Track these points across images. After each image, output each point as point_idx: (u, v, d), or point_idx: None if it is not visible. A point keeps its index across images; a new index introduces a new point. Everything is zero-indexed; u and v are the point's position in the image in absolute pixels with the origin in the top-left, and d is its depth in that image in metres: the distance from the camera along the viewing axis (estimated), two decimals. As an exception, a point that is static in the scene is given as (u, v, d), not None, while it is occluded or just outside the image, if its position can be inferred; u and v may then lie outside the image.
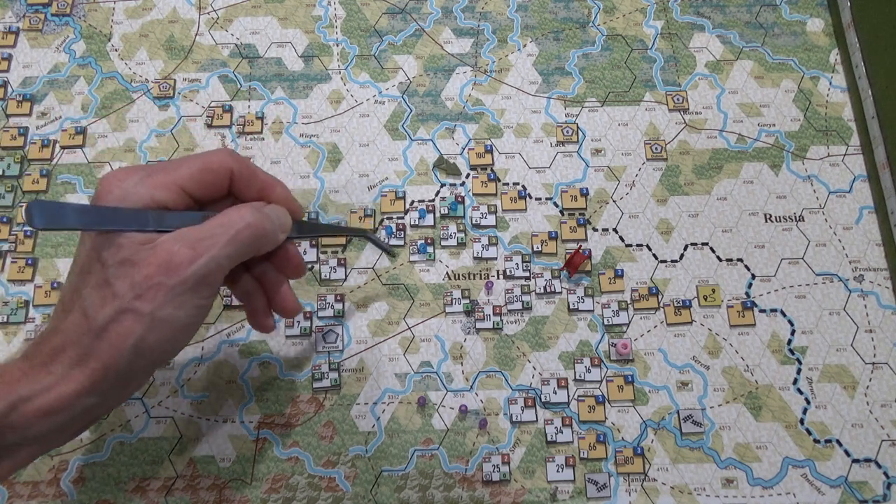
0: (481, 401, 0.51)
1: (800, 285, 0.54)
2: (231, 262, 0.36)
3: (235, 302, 0.53)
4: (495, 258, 0.55)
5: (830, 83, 0.60)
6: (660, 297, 0.54)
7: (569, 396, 0.51)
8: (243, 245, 0.37)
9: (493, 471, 0.49)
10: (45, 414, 0.34)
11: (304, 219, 0.43)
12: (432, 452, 0.50)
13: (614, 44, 0.62)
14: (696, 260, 0.55)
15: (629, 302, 0.54)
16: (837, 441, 0.50)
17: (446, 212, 0.56)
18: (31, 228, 0.44)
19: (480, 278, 0.54)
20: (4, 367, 0.35)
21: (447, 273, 0.54)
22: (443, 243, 0.55)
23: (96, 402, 0.35)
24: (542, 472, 0.49)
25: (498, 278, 0.54)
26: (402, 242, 0.55)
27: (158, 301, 0.34)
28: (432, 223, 0.56)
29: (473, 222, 0.56)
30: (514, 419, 0.51)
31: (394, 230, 0.55)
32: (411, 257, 0.55)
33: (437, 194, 0.57)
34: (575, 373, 0.52)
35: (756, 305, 0.54)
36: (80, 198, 0.56)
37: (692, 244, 0.55)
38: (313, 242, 0.55)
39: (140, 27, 0.62)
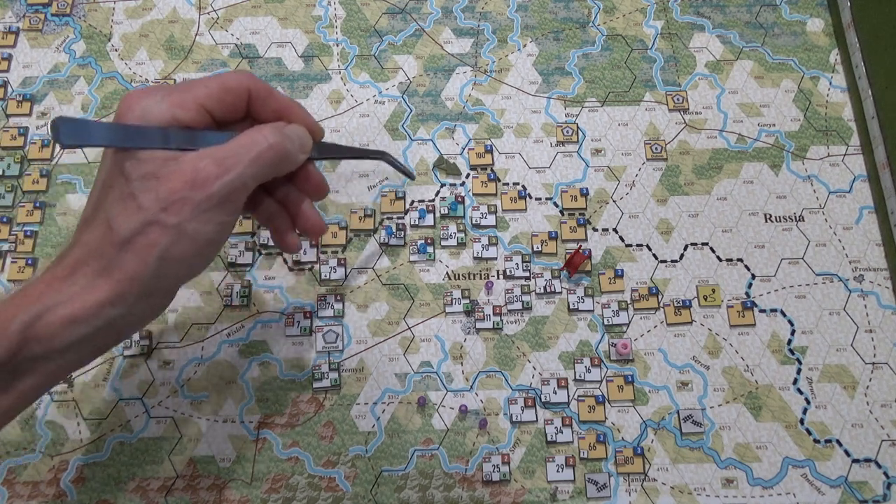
0: (481, 401, 0.51)
1: (800, 285, 0.54)
2: (254, 182, 0.37)
3: (235, 302, 0.53)
4: (495, 258, 0.55)
5: (830, 83, 0.60)
6: (660, 297, 0.54)
7: (569, 396, 0.51)
8: (266, 165, 0.37)
9: (493, 471, 0.49)
10: (69, 322, 0.34)
11: (323, 140, 0.43)
12: (432, 452, 0.50)
13: (614, 44, 0.62)
14: (696, 260, 0.55)
15: (629, 302, 0.54)
16: (837, 441, 0.50)
17: (446, 212, 0.56)
18: (58, 144, 0.45)
19: (480, 278, 0.54)
20: (28, 283, 0.35)
21: (447, 273, 0.54)
22: (443, 243, 0.55)
23: (120, 313, 0.35)
24: (542, 472, 0.49)
25: (498, 278, 0.54)
26: (402, 242, 0.55)
27: (185, 215, 0.34)
28: (432, 223, 0.56)
29: (473, 222, 0.56)
30: (514, 419, 0.51)
31: (394, 230, 0.55)
32: (411, 257, 0.55)
33: (437, 194, 0.57)
34: (575, 373, 0.52)
35: (756, 305, 0.54)
36: (80, 198, 0.56)
37: (692, 244, 0.55)
38: (313, 243, 0.55)
39: (140, 27, 0.62)
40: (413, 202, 0.56)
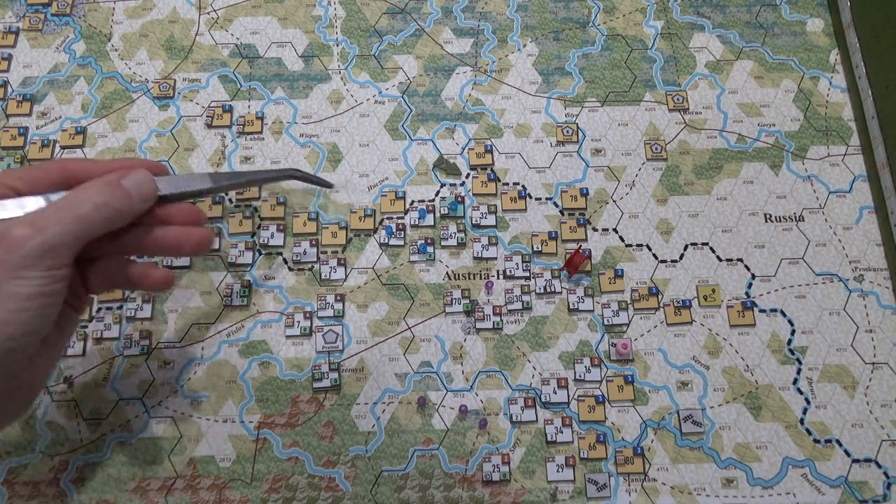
0: (481, 401, 0.51)
1: (800, 285, 0.54)
2: (78, 241, 0.37)
3: (235, 302, 0.53)
4: (495, 258, 0.55)
5: (830, 83, 0.60)
6: (660, 297, 0.54)
7: (569, 396, 0.51)
8: (92, 224, 0.38)
9: (493, 471, 0.49)
10: None
11: (214, 170, 0.43)
12: (432, 452, 0.50)
13: (614, 44, 0.62)
14: (696, 260, 0.55)
15: (629, 302, 0.54)
16: (837, 441, 0.50)
17: (446, 212, 0.56)
18: None
19: (480, 278, 0.54)
20: None
21: (447, 273, 0.54)
22: (443, 243, 0.55)
23: None
24: (542, 472, 0.49)
25: (498, 278, 0.54)
26: (402, 242, 0.55)
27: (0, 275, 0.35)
28: (432, 223, 0.56)
29: (473, 222, 0.56)
30: (514, 419, 0.51)
31: (394, 230, 0.55)
32: (411, 257, 0.55)
33: (437, 194, 0.57)
34: (575, 373, 0.52)
35: (756, 305, 0.54)
36: (80, 198, 0.56)
37: (692, 244, 0.55)
38: (313, 243, 0.55)
39: (140, 27, 0.62)
40: (413, 202, 0.56)
